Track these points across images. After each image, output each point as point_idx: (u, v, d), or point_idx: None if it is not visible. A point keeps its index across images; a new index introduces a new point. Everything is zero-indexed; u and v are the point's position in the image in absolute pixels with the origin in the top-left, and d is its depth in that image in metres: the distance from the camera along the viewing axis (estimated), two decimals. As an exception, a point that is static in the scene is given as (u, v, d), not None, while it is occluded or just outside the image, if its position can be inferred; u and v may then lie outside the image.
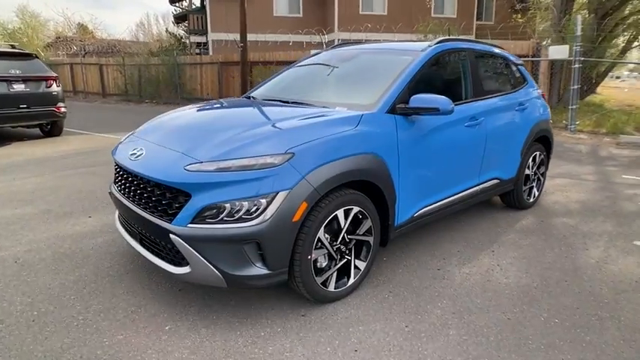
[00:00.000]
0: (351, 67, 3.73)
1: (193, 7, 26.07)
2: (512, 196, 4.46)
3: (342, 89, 3.47)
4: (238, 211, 2.30)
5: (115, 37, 37.63)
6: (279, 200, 2.32)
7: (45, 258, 3.37)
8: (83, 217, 4.27)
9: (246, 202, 2.30)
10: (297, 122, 2.71)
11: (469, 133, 3.55)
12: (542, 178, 4.85)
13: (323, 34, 17.99)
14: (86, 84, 21.87)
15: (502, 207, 4.69)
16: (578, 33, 8.90)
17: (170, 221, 2.39)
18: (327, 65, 3.87)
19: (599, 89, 19.57)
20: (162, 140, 2.79)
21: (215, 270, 2.34)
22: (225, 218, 2.31)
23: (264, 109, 3.29)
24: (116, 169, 3.04)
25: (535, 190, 4.72)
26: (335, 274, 2.72)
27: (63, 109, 9.14)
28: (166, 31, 32.01)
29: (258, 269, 2.37)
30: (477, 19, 21.41)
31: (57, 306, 2.70)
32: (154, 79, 17.65)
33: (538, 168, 4.70)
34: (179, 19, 26.66)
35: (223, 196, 2.30)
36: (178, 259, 2.48)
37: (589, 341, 2.39)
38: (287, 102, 3.35)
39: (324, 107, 3.05)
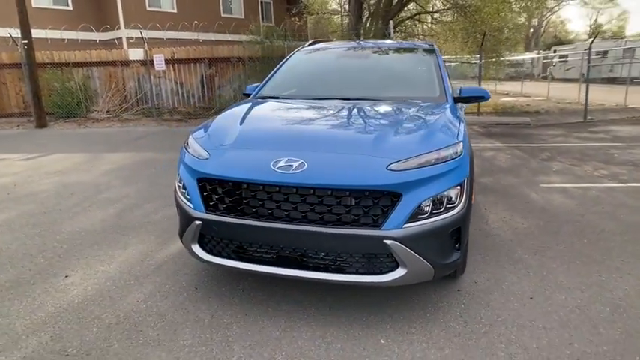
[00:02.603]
0: (374, 64, 3.92)
1: None
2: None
3: (391, 85, 3.65)
4: (442, 202, 2.40)
5: None
6: (465, 185, 2.52)
7: (97, 333, 2.46)
8: (57, 279, 3.14)
9: (447, 192, 2.42)
10: (432, 116, 2.87)
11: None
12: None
13: (117, 30, 15.83)
14: None
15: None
16: (392, 35, 10.92)
17: (378, 227, 2.27)
18: (338, 62, 3.96)
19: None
20: (318, 147, 2.51)
21: (429, 264, 2.37)
22: (434, 212, 2.37)
23: (365, 108, 3.19)
24: (235, 190, 2.48)
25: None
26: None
27: None
28: None
29: (456, 253, 2.52)
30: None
31: (236, 369, 2.15)
32: None
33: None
34: None
35: (431, 190, 2.35)
36: (383, 266, 2.37)
37: (612, 241, 3.49)
38: (348, 99, 3.35)
39: (403, 101, 3.24)
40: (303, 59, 4.14)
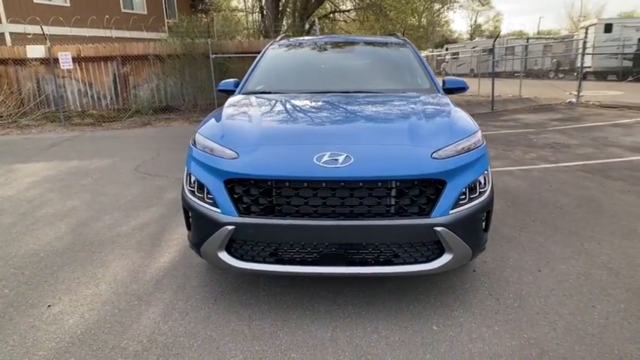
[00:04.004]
0: (359, 57, 3.92)
1: None
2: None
3: (384, 77, 3.68)
4: (476, 187, 2.51)
5: None
6: (489, 169, 2.66)
7: (139, 363, 2.16)
8: (38, 310, 2.68)
9: (479, 177, 2.53)
10: (444, 106, 2.96)
11: None
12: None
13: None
14: None
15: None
16: (318, 33, 11.01)
17: (427, 215, 2.30)
18: (319, 56, 3.90)
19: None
20: (357, 140, 2.46)
21: (469, 248, 2.46)
22: (471, 197, 2.46)
23: (376, 100, 3.17)
24: (275, 189, 2.31)
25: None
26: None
27: None
28: None
29: (485, 235, 2.65)
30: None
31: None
32: None
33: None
34: None
35: (469, 176, 2.45)
36: (430, 253, 2.40)
37: (574, 214, 3.95)
38: (347, 92, 3.33)
39: (402, 93, 3.31)
40: (282, 54, 4.01)
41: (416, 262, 2.41)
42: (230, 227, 2.37)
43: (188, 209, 2.60)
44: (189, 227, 2.68)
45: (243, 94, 3.53)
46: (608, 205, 4.24)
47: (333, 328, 2.42)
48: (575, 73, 19.84)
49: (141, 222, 4.14)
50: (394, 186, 2.30)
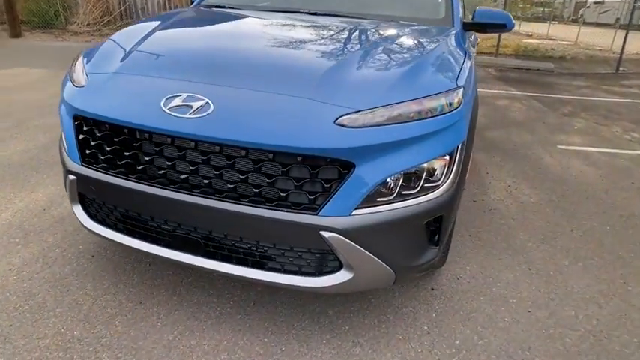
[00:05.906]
0: None
1: None
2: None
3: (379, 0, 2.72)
4: (419, 178, 1.59)
5: None
6: (458, 154, 1.70)
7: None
8: None
9: (429, 164, 1.59)
10: (424, 45, 1.98)
11: None
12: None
13: None
14: None
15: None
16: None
17: (315, 212, 1.49)
18: None
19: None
20: (234, 79, 1.66)
21: (387, 267, 1.63)
22: (403, 192, 1.57)
23: (330, 26, 2.30)
24: (115, 136, 1.68)
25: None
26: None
27: None
28: None
29: (432, 251, 1.76)
30: None
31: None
32: None
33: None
34: None
35: (404, 160, 1.53)
36: (321, 264, 1.63)
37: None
38: (315, 13, 2.46)
39: (392, 21, 2.34)
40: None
41: (299, 272, 1.65)
42: (72, 177, 1.82)
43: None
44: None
45: (202, 6, 2.82)
46: None
47: (183, 329, 1.83)
48: None
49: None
50: (267, 159, 1.50)
